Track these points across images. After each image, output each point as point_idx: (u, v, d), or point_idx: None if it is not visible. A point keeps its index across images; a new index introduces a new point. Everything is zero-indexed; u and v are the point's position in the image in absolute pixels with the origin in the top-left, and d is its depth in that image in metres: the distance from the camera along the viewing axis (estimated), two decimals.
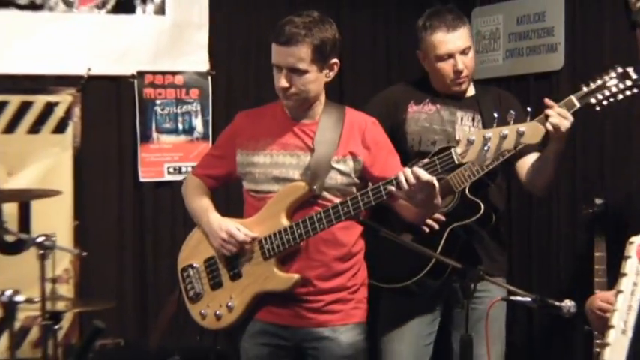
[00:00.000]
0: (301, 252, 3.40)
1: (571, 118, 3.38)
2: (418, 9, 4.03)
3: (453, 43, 3.74)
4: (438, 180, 3.39)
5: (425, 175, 3.08)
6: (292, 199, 3.37)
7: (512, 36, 4.81)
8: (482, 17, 4.92)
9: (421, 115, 3.85)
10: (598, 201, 3.82)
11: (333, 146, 3.39)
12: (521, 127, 2.95)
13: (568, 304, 2.87)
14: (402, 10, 4.97)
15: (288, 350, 3.47)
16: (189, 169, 4.50)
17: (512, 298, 3.03)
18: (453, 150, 3.15)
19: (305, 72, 3.30)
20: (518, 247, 4.60)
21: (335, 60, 3.34)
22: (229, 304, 3.49)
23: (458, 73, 3.74)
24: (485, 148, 2.99)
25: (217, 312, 3.51)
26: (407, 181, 3.09)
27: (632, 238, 3.09)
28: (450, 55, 3.74)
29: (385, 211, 3.52)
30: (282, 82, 3.33)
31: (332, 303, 3.42)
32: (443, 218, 3.73)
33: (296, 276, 3.34)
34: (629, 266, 3.03)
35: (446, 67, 3.75)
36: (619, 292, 3.04)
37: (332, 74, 3.38)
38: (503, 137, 2.95)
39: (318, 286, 3.42)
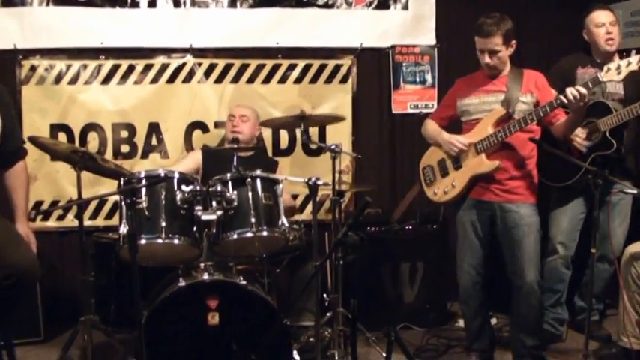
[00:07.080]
0: (502, 150, 4.00)
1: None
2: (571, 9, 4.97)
3: (604, 17, 4.47)
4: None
5: (581, 89, 3.73)
6: (496, 118, 4.01)
7: (627, 23, 5.34)
8: None
9: (585, 75, 4.44)
10: None
11: (519, 87, 4.01)
12: None
13: None
14: (563, 9, 5.61)
15: (487, 217, 4.13)
16: (422, 105, 5.55)
17: (625, 190, 3.92)
18: (598, 73, 3.74)
19: (498, 52, 3.98)
20: None
21: (514, 41, 4.00)
22: (454, 184, 4.14)
23: (609, 34, 4.42)
24: (617, 71, 3.64)
25: (445, 190, 4.16)
26: (572, 94, 3.75)
27: None
28: (603, 24, 4.46)
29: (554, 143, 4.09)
30: (487, 60, 3.99)
31: (517, 187, 4.03)
32: (584, 149, 4.28)
33: (497, 162, 3.98)
34: None
35: (600, 31, 4.46)
36: None
37: (512, 50, 4.02)
38: (629, 63, 3.63)
39: (509, 173, 4.00)
